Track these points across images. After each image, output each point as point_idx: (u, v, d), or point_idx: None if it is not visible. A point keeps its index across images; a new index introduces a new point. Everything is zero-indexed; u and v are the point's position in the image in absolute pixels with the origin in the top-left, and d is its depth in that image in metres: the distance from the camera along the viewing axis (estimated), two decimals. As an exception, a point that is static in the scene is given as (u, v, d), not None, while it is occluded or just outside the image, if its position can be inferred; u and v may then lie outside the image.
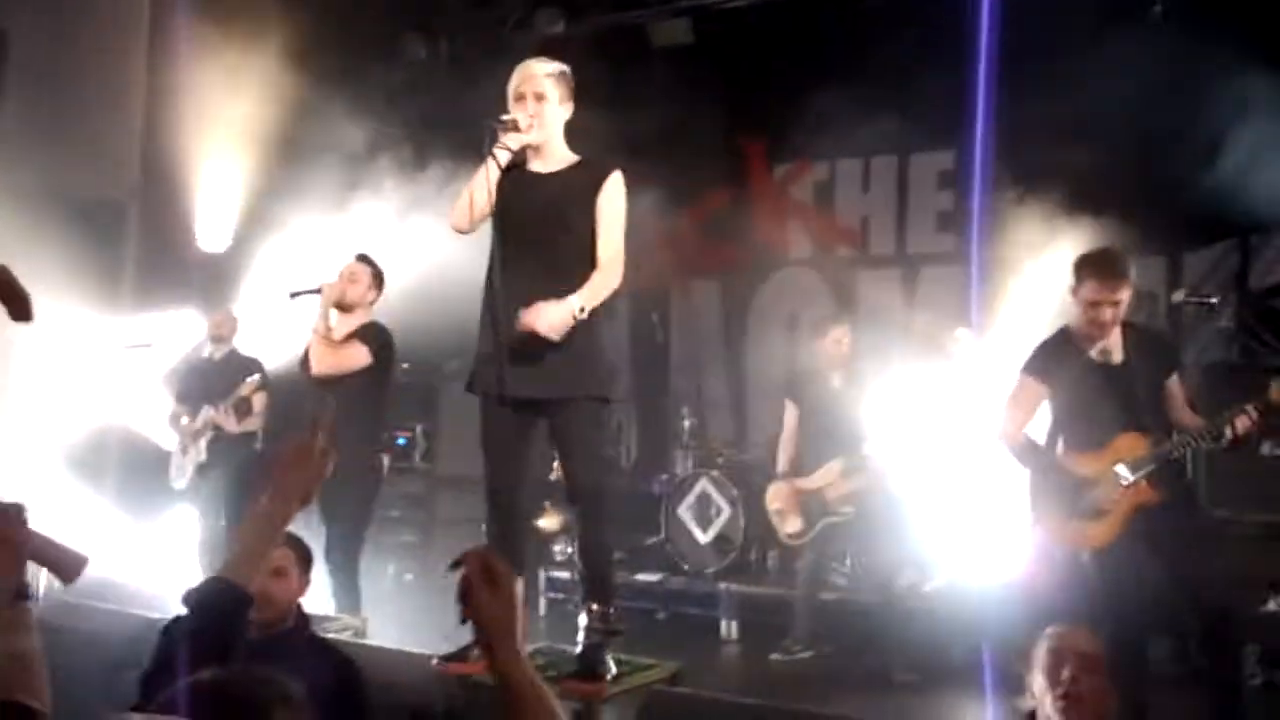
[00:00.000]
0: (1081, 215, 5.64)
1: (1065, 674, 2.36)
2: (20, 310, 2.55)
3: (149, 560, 5.14)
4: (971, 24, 5.16)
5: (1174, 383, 3.59)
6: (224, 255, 6.37)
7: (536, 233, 3.21)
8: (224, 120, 6.11)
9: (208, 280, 6.13)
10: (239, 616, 1.73)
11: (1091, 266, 3.51)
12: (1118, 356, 3.56)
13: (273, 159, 6.30)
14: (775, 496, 5.39)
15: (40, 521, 2.14)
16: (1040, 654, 2.44)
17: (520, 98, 3.28)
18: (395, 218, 5.93)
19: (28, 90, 5.50)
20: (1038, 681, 2.42)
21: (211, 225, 6.36)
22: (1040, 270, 5.55)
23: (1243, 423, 3.35)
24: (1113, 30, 5.57)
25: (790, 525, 5.32)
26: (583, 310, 3.07)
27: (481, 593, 1.51)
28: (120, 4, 6.07)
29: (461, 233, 3.33)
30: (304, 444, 1.87)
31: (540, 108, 3.27)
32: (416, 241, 5.44)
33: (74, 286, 5.62)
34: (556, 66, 3.35)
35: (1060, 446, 3.64)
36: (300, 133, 6.14)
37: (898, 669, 4.83)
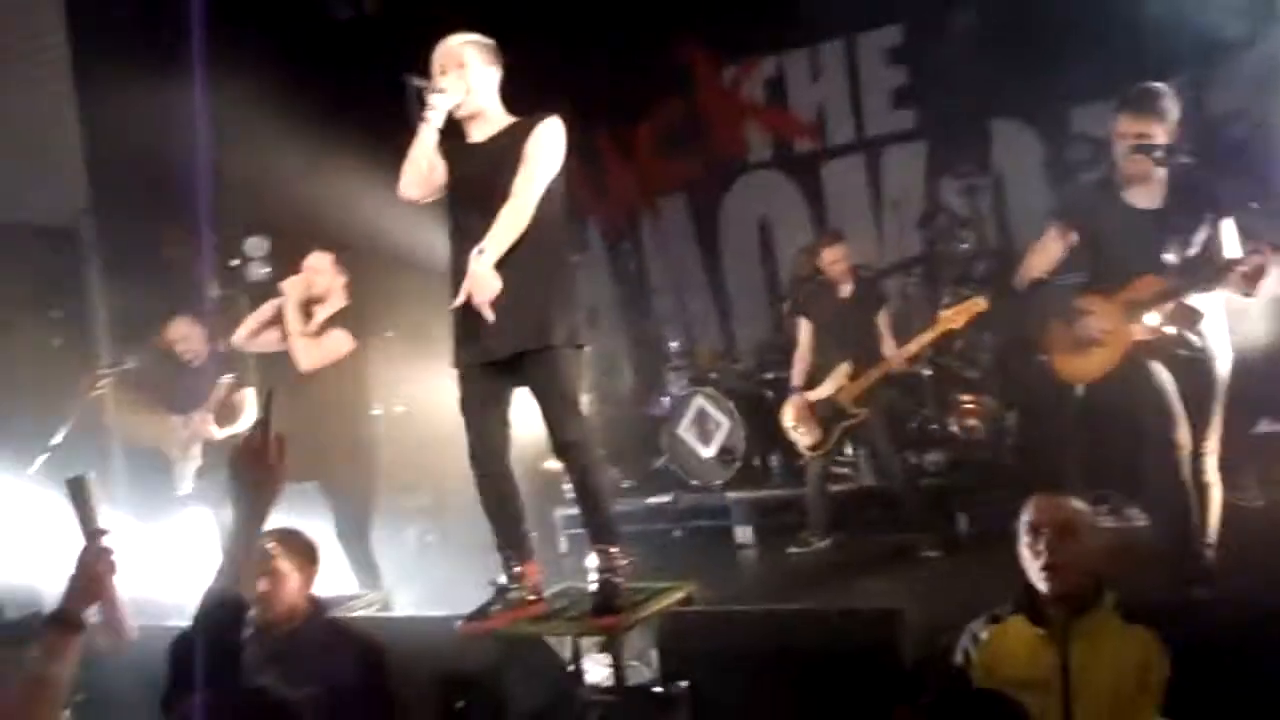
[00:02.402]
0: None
1: (1041, 545, 2.43)
2: None
3: (171, 568, 5.24)
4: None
5: (1224, 226, 3.44)
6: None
7: (479, 204, 3.23)
8: (167, 120, 6.01)
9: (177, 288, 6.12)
10: (236, 624, 1.81)
11: (1123, 101, 3.46)
12: (1155, 201, 3.47)
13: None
14: (790, 413, 5.39)
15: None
16: (1020, 526, 2.50)
17: (443, 72, 3.30)
18: (356, 188, 5.89)
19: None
20: (1022, 553, 2.49)
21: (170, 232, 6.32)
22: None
23: (1253, 261, 3.27)
24: None
25: (809, 438, 5.32)
26: (481, 252, 3.10)
27: None
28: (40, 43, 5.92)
29: (414, 202, 3.37)
30: (252, 443, 1.92)
31: (463, 74, 3.29)
32: (379, 211, 5.42)
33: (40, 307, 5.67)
34: (474, 36, 3.37)
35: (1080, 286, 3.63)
36: (243, 112, 6.03)
37: (922, 546, 4.95)
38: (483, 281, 3.09)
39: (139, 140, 5.73)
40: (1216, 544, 3.50)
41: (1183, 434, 3.42)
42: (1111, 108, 3.56)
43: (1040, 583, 2.43)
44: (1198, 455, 3.47)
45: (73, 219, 6.07)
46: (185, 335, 5.40)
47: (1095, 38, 5.61)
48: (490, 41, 3.39)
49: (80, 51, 5.78)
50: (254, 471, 1.90)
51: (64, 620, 2.00)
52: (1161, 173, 3.48)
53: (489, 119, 3.36)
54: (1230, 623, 2.67)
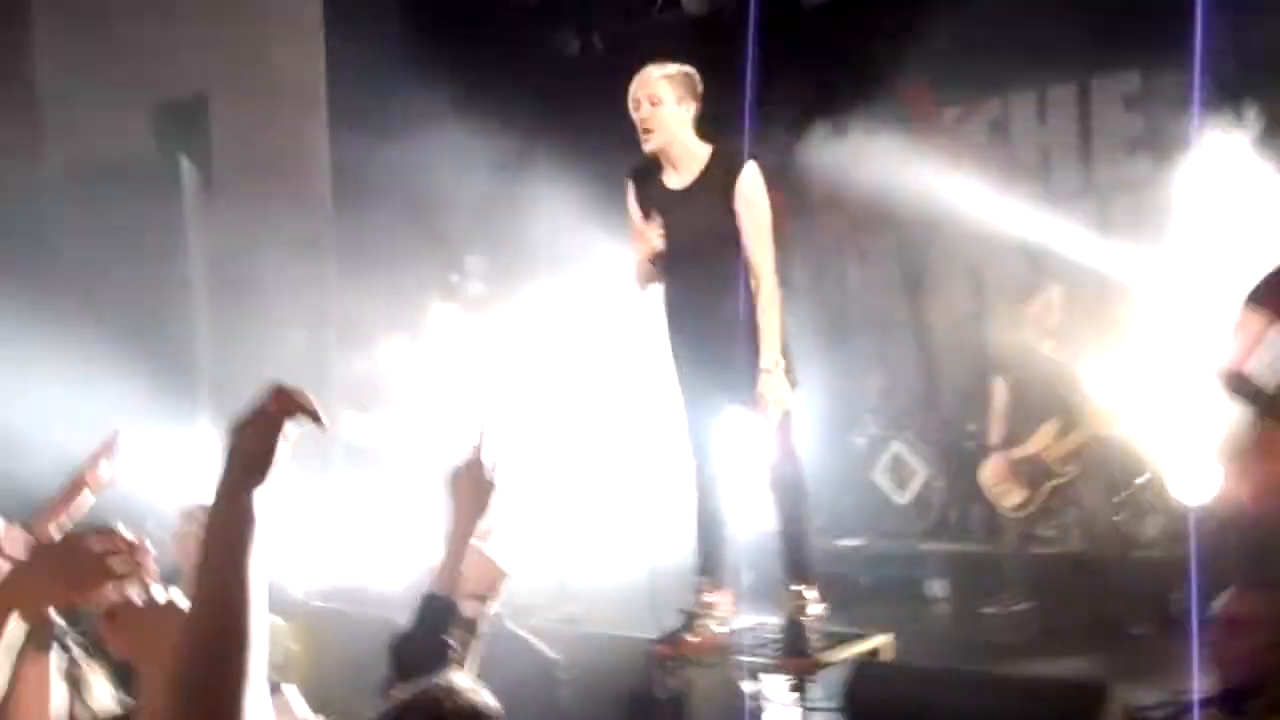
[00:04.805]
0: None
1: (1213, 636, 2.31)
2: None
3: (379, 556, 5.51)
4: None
5: None
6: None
7: (691, 261, 3.31)
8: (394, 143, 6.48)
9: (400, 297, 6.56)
10: (447, 626, 1.93)
11: None
12: None
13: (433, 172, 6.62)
14: (992, 473, 5.17)
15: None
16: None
17: (636, 104, 3.34)
18: (559, 221, 6.13)
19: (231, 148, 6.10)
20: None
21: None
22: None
23: None
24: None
25: (1012, 498, 5.09)
26: (768, 372, 3.24)
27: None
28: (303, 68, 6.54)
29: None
30: (473, 462, 2.03)
31: (655, 112, 3.31)
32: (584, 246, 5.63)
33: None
34: (675, 68, 3.37)
35: None
36: (459, 143, 6.40)
37: (1129, 622, 4.66)
38: (777, 398, 3.27)
39: (384, 155, 6.24)
40: None
41: None
42: None
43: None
44: None
45: (319, 227, 6.63)
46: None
47: None
48: (690, 72, 3.38)
49: (335, 83, 6.35)
50: (473, 489, 2.01)
51: None
52: None
53: (682, 159, 3.37)
54: None
